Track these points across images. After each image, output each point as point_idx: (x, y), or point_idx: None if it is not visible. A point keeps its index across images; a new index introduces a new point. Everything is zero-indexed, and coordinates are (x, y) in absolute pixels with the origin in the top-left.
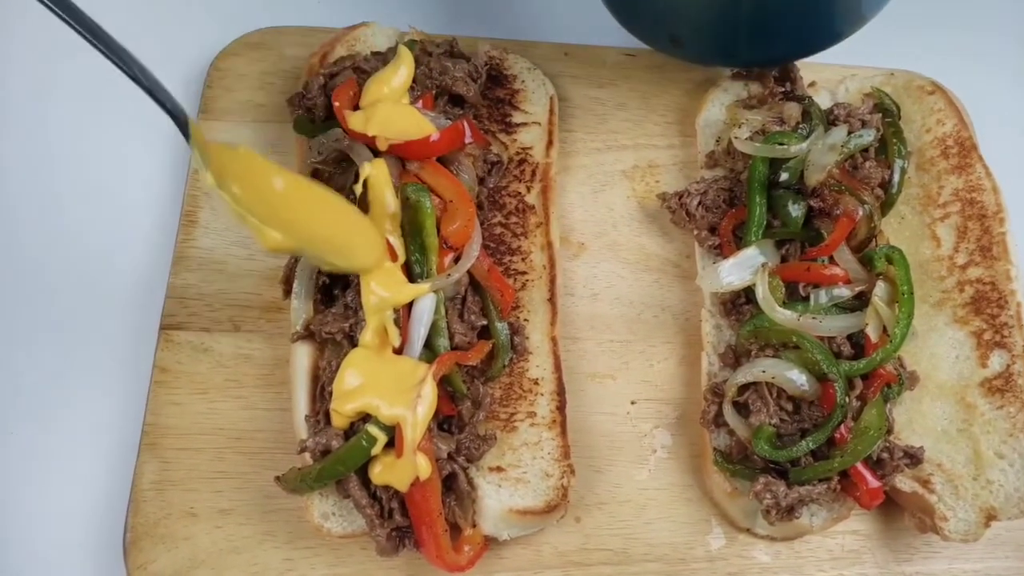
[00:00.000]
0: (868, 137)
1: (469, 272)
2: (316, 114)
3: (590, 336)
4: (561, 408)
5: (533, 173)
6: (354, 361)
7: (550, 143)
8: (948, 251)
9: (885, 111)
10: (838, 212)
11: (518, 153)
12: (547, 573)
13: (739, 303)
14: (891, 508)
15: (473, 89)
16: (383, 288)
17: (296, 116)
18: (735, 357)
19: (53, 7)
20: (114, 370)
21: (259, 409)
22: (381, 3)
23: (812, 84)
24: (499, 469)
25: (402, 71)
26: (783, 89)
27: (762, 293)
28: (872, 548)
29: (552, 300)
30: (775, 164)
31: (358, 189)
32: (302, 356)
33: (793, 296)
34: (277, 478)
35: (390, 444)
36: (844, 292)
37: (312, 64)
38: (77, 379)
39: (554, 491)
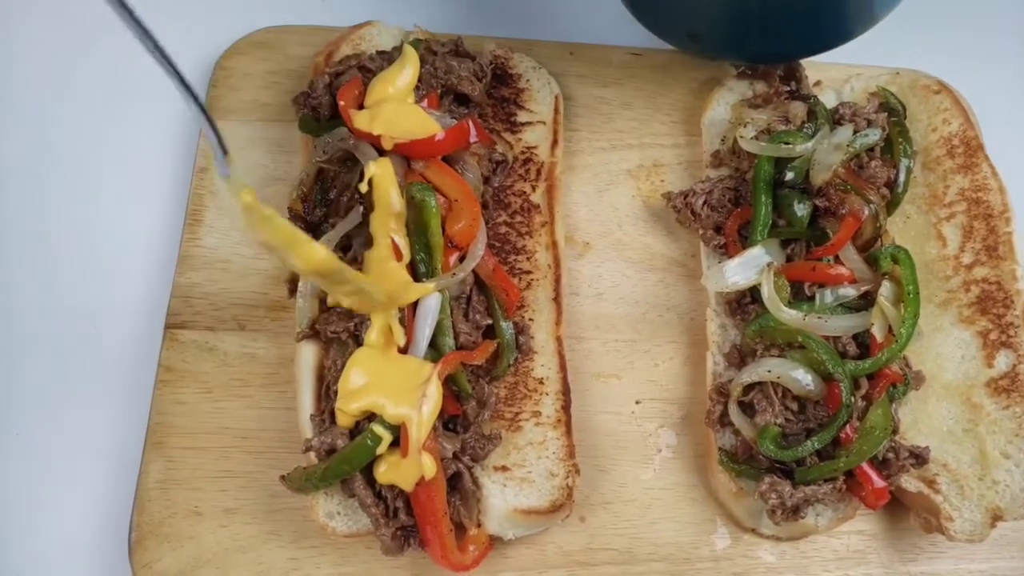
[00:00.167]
0: (874, 136)
1: (474, 271)
2: (321, 113)
3: (595, 335)
4: (566, 407)
5: (538, 172)
6: (359, 360)
7: (555, 142)
8: (954, 251)
9: (891, 110)
10: (844, 211)
11: (523, 152)
12: (552, 573)
13: (744, 303)
14: (896, 508)
15: (478, 88)
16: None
17: (301, 115)
18: (740, 357)
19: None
20: (119, 369)
21: (264, 408)
22: (386, 2)
23: (817, 83)
24: (504, 468)
25: (407, 70)
26: (788, 88)
27: (767, 293)
28: (877, 548)
29: (557, 299)
30: (780, 163)
31: (363, 188)
32: (307, 355)
33: (798, 296)
34: (282, 477)
35: (395, 443)
36: (850, 292)
37: (317, 63)
38: (82, 379)
39: (559, 491)
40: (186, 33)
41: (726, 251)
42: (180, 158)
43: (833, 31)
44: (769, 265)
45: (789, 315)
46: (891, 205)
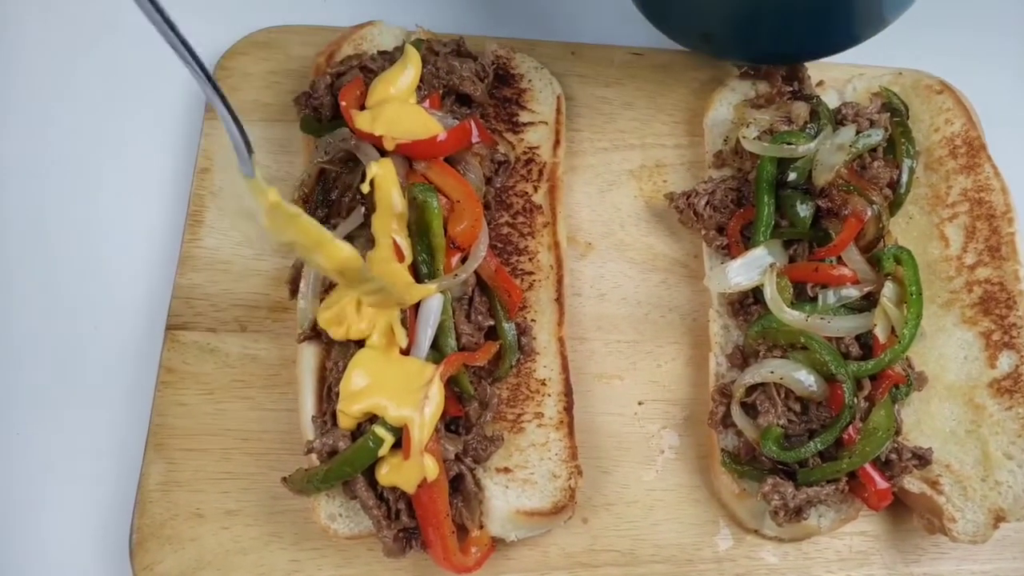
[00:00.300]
0: (876, 137)
1: (476, 272)
2: (323, 113)
3: (597, 336)
4: (568, 409)
5: (540, 173)
6: (361, 362)
7: (557, 142)
8: (956, 251)
9: (893, 110)
10: (846, 212)
11: (525, 153)
12: (554, 574)
13: (747, 303)
14: (899, 509)
15: (480, 88)
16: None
17: (303, 115)
18: (743, 358)
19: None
20: (120, 370)
21: (266, 410)
22: (388, 2)
23: (820, 83)
24: (506, 470)
25: (409, 70)
26: (791, 88)
27: (770, 293)
28: (880, 549)
29: (559, 300)
30: (783, 164)
31: (365, 188)
32: (309, 356)
33: (801, 296)
34: (284, 479)
35: (397, 445)
36: (852, 292)
37: (319, 63)
38: (82, 379)
39: (561, 492)
40: (187, 33)
41: (728, 252)
42: (181, 158)
43: (845, 34)
44: (772, 266)
45: (792, 316)
46: (894, 206)
